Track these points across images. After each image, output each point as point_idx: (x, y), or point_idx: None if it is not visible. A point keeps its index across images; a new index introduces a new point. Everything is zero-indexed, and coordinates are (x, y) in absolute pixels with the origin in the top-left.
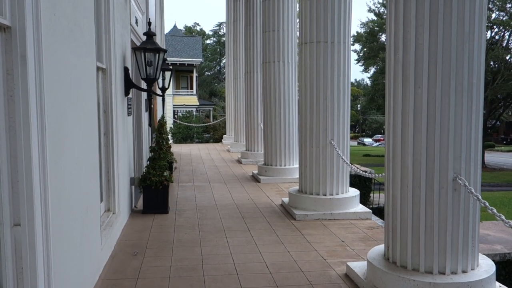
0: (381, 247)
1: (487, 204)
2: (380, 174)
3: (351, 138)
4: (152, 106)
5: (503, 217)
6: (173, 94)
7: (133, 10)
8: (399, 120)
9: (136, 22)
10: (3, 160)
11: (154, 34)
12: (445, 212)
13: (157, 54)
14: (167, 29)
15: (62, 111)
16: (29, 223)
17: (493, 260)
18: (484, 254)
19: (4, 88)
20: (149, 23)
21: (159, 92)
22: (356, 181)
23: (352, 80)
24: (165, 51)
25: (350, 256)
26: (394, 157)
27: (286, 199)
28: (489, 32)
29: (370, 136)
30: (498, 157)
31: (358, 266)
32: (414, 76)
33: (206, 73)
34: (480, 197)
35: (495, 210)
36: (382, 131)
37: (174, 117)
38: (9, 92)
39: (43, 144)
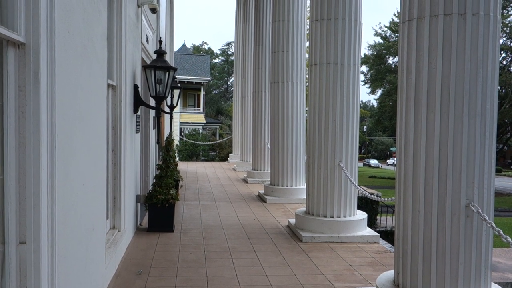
0: (390, 273)
1: (501, 232)
2: (389, 198)
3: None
4: (160, 123)
5: None
6: (180, 112)
7: (144, 29)
8: (411, 144)
9: (147, 40)
10: (12, 177)
11: (165, 53)
12: (457, 239)
13: (167, 72)
14: (176, 47)
15: (72, 128)
16: (35, 241)
17: None
18: (496, 283)
19: (16, 104)
20: (160, 42)
21: (167, 109)
22: (362, 203)
23: None
24: (175, 69)
25: (358, 281)
26: (406, 181)
27: (292, 220)
28: None
29: (376, 158)
30: (505, 182)
31: None
32: (427, 100)
33: (214, 91)
34: (494, 224)
35: (509, 239)
36: (388, 153)
37: (180, 134)
38: (21, 109)
39: (52, 162)
